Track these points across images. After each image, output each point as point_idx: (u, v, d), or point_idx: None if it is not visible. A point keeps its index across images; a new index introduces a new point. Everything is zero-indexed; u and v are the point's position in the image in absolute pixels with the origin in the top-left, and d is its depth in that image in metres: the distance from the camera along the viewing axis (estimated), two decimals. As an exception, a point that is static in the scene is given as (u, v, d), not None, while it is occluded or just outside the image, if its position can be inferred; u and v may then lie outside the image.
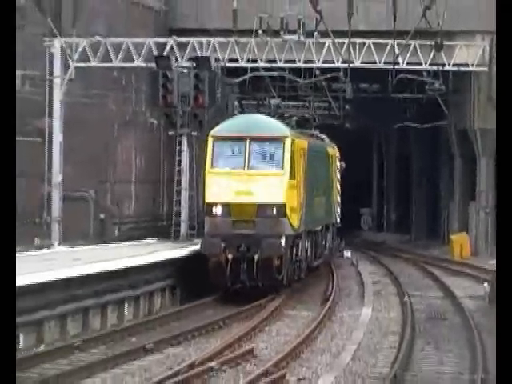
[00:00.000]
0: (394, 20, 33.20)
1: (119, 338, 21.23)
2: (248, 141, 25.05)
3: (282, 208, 24.77)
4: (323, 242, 33.71)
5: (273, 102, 40.08)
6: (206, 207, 25.16)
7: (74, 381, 16.49)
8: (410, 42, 37.36)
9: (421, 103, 50.03)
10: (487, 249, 45.08)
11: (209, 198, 25.00)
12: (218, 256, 24.28)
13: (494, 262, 28.18)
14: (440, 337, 23.63)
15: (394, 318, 26.62)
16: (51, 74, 37.12)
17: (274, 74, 42.25)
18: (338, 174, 39.56)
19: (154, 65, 36.32)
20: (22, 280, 19.26)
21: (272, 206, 24.66)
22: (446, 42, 37.08)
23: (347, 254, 44.82)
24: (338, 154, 39.80)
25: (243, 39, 37.61)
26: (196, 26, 42.62)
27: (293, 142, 25.93)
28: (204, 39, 38.21)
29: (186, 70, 36.56)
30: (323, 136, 38.17)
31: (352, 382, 17.40)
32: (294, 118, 35.27)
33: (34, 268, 23.09)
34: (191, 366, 17.76)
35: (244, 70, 40.80)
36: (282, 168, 25.27)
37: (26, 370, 17.35)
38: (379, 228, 66.84)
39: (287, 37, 36.95)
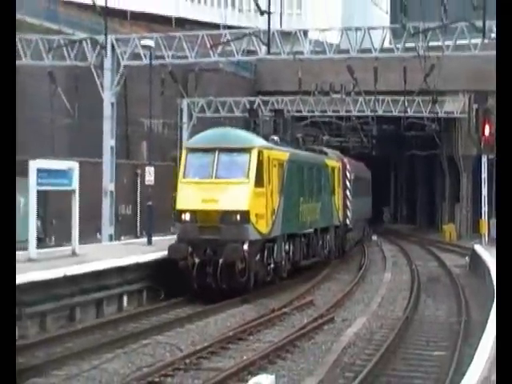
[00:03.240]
0: (405, 84, 36.33)
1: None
2: (217, 152, 21.80)
3: (245, 215, 21.22)
4: (320, 242, 29.19)
5: (324, 138, 44.61)
6: (177, 214, 21.88)
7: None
8: (415, 98, 42.01)
9: (422, 138, 52.51)
10: (467, 234, 48.32)
11: (178, 206, 21.72)
12: (185, 259, 20.94)
13: (472, 243, 33.93)
14: (436, 292, 25.02)
15: (405, 280, 28.05)
16: (181, 121, 41.76)
17: (325, 119, 46.79)
18: (348, 183, 35.38)
19: (247, 115, 35.35)
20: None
21: (235, 212, 21.15)
22: (439, 98, 41.57)
23: (374, 237, 46.55)
24: (347, 166, 35.65)
25: (305, 97, 42.16)
26: (274, 89, 46.35)
27: (260, 153, 22.12)
28: (279, 98, 43.26)
29: (268, 118, 38.02)
30: (328, 150, 34.40)
31: (378, 322, 18.69)
32: (299, 135, 32.86)
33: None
34: (272, 311, 19.90)
35: (305, 118, 46.03)
36: (247, 177, 21.62)
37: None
38: (394, 220, 70.11)
39: (334, 95, 41.57)
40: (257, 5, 21.05)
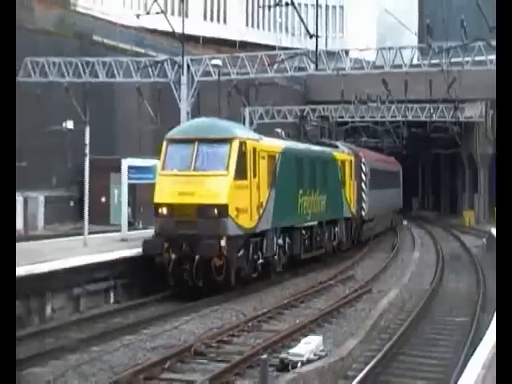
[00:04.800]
0: (430, 94, 36.35)
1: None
2: (196, 143, 17.53)
3: (223, 208, 16.83)
4: (326, 235, 24.41)
5: (363, 139, 47.22)
6: (154, 208, 17.48)
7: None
8: (439, 105, 41.22)
9: (445, 139, 50.61)
10: (484, 220, 46.91)
11: (156, 199, 17.45)
12: (161, 255, 16.80)
13: (489, 227, 32.92)
14: (458, 268, 24.75)
15: (431, 258, 27.67)
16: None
17: (363, 124, 45.83)
18: (364, 176, 30.40)
19: (297, 120, 37.37)
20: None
21: (213, 206, 16.83)
22: (460, 105, 40.99)
23: (405, 222, 45.25)
24: (362, 160, 30.65)
25: (346, 106, 41.40)
26: (321, 99, 45.47)
27: (243, 144, 17.67)
28: (325, 106, 42.32)
29: (315, 123, 40.20)
30: (340, 144, 29.94)
31: (409, 293, 18.42)
32: (308, 128, 30.83)
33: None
34: (320, 283, 19.94)
35: (347, 123, 45.66)
36: (227, 169, 17.21)
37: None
38: (421, 208, 67.79)
39: (371, 104, 40.50)
40: (307, 30, 21.04)
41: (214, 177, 17.26)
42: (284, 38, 59.31)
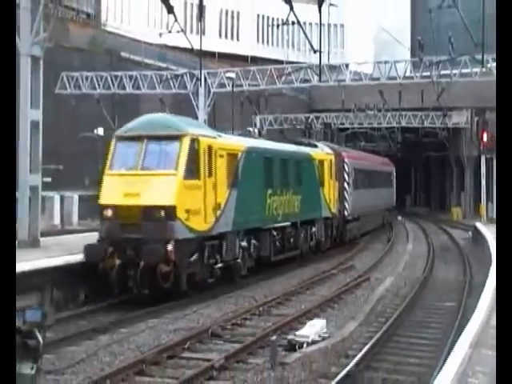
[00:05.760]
0: (422, 102, 36.51)
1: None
2: (145, 140, 14.74)
3: (170, 210, 13.96)
4: (302, 235, 21.25)
5: (362, 144, 47.19)
6: (100, 210, 14.60)
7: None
8: (429, 113, 41.33)
9: (435, 143, 50.45)
10: (470, 215, 45.91)
11: (101, 201, 14.61)
12: (104, 261, 13.95)
13: (474, 221, 33.24)
14: (447, 258, 24.39)
15: (423, 249, 27.38)
16: (254, 132, 40.20)
17: (362, 130, 46.08)
18: (346, 176, 27.27)
19: (303, 127, 41.74)
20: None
21: (159, 208, 13.96)
22: (448, 113, 41.11)
23: (399, 218, 44.78)
24: (345, 160, 27.57)
25: (346, 113, 41.61)
26: (324, 107, 45.16)
27: (195, 141, 14.81)
28: (328, 114, 42.61)
29: (319, 129, 43.54)
30: (318, 143, 26.50)
31: (403, 281, 18.41)
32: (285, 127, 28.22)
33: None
34: (323, 272, 19.79)
35: (347, 129, 45.90)
36: (176, 168, 14.38)
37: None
38: (414, 205, 67.33)
39: (368, 112, 40.72)
40: (311, 45, 20.92)
41: (161, 176, 14.29)
42: (291, 53, 59.24)
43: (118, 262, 13.96)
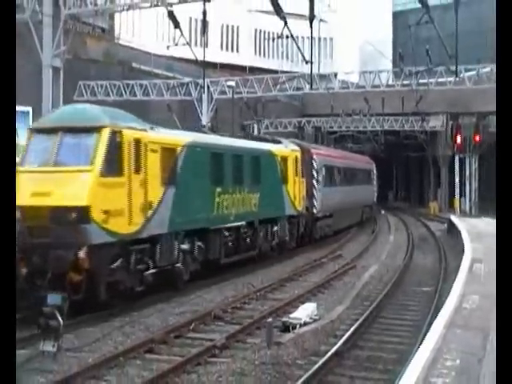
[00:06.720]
0: (402, 108, 37.22)
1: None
2: (60, 133, 11.56)
3: (83, 212, 10.77)
4: (261, 235, 18.34)
5: (349, 145, 46.97)
6: None
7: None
8: (409, 117, 40.97)
9: (414, 144, 50.15)
10: (445, 209, 45.75)
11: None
12: None
13: (449, 215, 33.72)
14: (425, 248, 24.21)
15: (403, 240, 27.09)
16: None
17: (349, 133, 45.87)
18: (315, 173, 24.20)
19: (296, 130, 40.78)
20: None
21: (70, 209, 10.71)
22: (426, 117, 41.10)
23: (382, 212, 44.13)
24: (313, 156, 24.48)
25: (335, 118, 41.29)
26: (315, 112, 44.38)
27: (117, 134, 11.70)
28: (318, 118, 42.21)
29: (310, 132, 42.38)
30: (283, 139, 22.66)
31: (385, 268, 18.25)
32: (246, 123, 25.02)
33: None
34: (315, 260, 19.56)
35: (336, 132, 45.45)
36: (91, 163, 11.19)
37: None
38: (395, 200, 66.35)
39: (355, 116, 40.47)
40: (303, 57, 20.77)
41: (75, 173, 11.18)
42: (285, 63, 59.10)
43: (24, 270, 10.78)
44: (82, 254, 10.67)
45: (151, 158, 12.65)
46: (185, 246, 13.91)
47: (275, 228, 19.50)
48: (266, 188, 18.67)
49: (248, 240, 17.48)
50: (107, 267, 11.38)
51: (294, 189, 21.16)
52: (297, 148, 22.14)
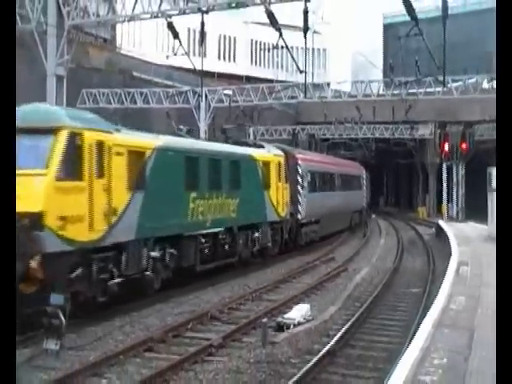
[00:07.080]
0: (392, 117, 36.97)
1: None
2: (18, 134, 8.03)
3: (36, 218, 9.56)
4: (240, 242, 17.14)
5: (341, 152, 46.66)
6: None
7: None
8: (399, 126, 40.49)
9: (404, 152, 50.26)
10: (433, 214, 45.52)
11: None
12: None
13: (437, 219, 34.76)
14: (414, 251, 24.27)
15: (393, 243, 27.14)
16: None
17: (342, 140, 46.00)
18: (300, 178, 22.87)
19: (290, 137, 40.15)
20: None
21: (22, 215, 9.11)
22: (415, 126, 40.72)
23: (373, 216, 44.06)
24: (298, 162, 23.05)
25: (328, 126, 40.76)
26: (308, 120, 44.19)
27: (76, 135, 10.48)
28: (312, 126, 41.93)
29: (304, 139, 42.71)
30: (265, 144, 21.13)
31: (376, 271, 18.23)
32: (227, 127, 24.84)
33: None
34: (307, 263, 19.40)
35: (329, 139, 45.81)
36: (46, 167, 10.00)
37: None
38: (386, 205, 66.21)
39: (347, 124, 39.92)
40: (297, 67, 20.77)
41: (29, 177, 9.87)
42: (280, 73, 59.18)
43: None
44: (33, 263, 9.48)
45: (116, 161, 11.46)
46: (155, 253, 12.81)
47: (256, 234, 18.24)
48: (245, 193, 17.39)
49: (227, 247, 16.35)
50: (65, 277, 10.20)
51: (277, 194, 19.87)
52: (280, 153, 20.74)
